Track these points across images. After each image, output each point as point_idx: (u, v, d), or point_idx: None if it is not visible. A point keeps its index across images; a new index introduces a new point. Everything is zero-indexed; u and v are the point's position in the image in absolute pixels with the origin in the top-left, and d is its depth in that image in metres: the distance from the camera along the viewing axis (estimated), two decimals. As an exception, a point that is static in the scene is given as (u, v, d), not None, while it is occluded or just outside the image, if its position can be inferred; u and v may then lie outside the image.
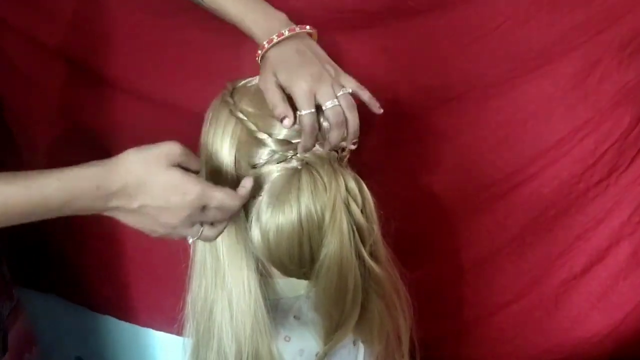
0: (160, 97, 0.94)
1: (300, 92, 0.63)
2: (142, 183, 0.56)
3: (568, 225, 0.92)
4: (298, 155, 0.65)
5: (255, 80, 0.70)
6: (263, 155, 0.65)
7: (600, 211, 0.92)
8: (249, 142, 0.65)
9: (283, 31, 0.67)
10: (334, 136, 0.64)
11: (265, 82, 0.65)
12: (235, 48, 0.85)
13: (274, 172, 0.65)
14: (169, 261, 1.03)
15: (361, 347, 0.79)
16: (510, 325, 0.99)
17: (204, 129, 0.68)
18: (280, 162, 0.65)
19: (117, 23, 0.93)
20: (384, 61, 0.87)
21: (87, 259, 1.14)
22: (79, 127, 1.04)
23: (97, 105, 1.00)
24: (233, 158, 0.65)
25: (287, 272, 0.69)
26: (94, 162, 0.57)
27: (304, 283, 0.74)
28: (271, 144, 0.65)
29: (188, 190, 0.57)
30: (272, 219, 0.64)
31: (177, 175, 0.57)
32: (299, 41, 0.68)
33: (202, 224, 0.60)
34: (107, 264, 1.13)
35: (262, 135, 0.64)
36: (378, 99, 0.87)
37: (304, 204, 0.63)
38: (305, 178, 0.63)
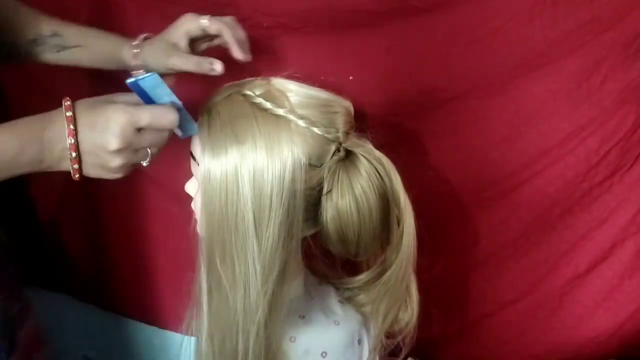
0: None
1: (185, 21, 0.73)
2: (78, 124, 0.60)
3: (572, 224, 0.92)
4: (346, 145, 0.68)
5: (272, 81, 0.70)
6: (331, 151, 0.67)
7: (605, 210, 0.92)
8: (318, 143, 0.67)
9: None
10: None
11: (179, 57, 0.72)
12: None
13: (331, 165, 0.67)
14: (181, 261, 1.04)
15: (365, 346, 0.80)
16: (515, 324, 0.99)
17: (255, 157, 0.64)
18: (335, 153, 0.68)
19: (131, 22, 0.94)
20: (387, 60, 0.87)
21: (98, 258, 1.15)
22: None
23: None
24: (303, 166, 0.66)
25: (354, 247, 0.71)
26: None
27: (301, 283, 0.76)
28: (340, 138, 0.67)
29: (110, 116, 0.59)
30: (350, 201, 0.67)
31: (101, 108, 0.60)
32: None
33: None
34: (119, 262, 1.14)
35: (332, 134, 0.67)
36: (381, 97, 0.88)
37: (374, 183, 0.67)
38: (365, 162, 0.68)
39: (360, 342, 0.79)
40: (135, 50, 0.76)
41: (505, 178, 0.91)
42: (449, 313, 1.00)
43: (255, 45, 0.80)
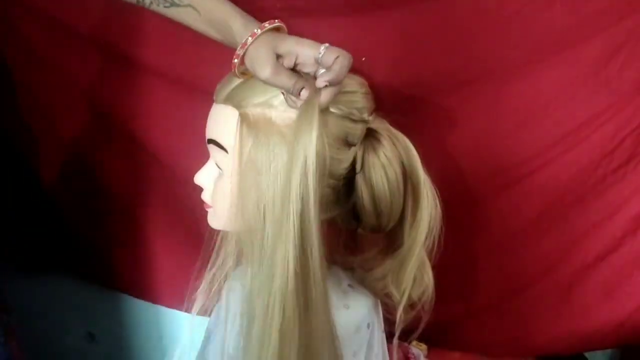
0: (189, 81, 0.94)
1: (305, 42, 0.66)
2: None
3: (584, 213, 0.92)
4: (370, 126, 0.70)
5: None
6: (361, 131, 0.69)
7: (618, 199, 0.91)
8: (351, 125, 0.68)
9: (256, 30, 0.67)
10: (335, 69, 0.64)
11: (270, 67, 0.64)
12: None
13: (363, 144, 0.69)
14: (189, 238, 1.03)
15: (376, 330, 0.79)
16: (523, 311, 0.98)
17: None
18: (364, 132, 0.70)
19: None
20: (402, 43, 0.86)
21: (102, 236, 1.14)
22: (101, 111, 1.04)
23: (120, 90, 0.99)
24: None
25: (385, 220, 0.72)
26: None
27: None
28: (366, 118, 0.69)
29: None
30: (383, 177, 0.69)
31: None
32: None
33: None
34: (123, 240, 1.13)
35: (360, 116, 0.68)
36: (395, 79, 0.87)
37: (398, 160, 0.70)
38: (385, 142, 0.69)
39: (369, 325, 0.79)
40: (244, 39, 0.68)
41: (519, 164, 0.90)
42: (457, 298, 0.99)
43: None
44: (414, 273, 0.75)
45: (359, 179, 0.69)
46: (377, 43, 0.87)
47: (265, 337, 0.63)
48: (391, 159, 0.69)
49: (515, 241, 0.95)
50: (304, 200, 0.61)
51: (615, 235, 0.92)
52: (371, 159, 0.69)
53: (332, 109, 0.66)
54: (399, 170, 0.70)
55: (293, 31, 0.87)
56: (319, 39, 0.87)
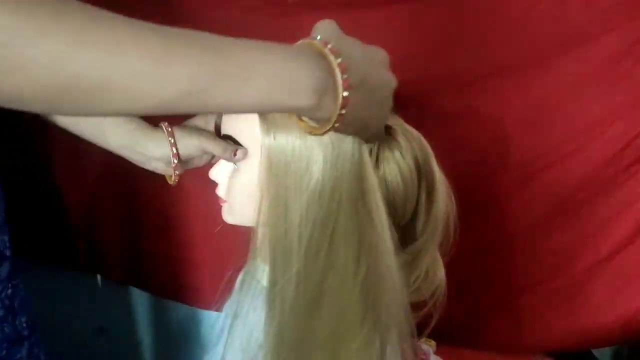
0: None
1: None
2: (348, 55, 0.46)
3: (596, 209, 0.92)
4: None
5: None
6: None
7: (628, 196, 0.91)
8: None
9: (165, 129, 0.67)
10: None
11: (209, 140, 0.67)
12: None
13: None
14: (203, 237, 1.03)
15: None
16: (534, 307, 0.98)
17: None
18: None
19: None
20: (414, 37, 0.86)
21: (113, 232, 1.14)
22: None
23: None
24: None
25: (399, 216, 0.70)
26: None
27: None
28: None
29: (375, 48, 0.53)
30: (396, 172, 0.67)
31: (357, 40, 0.51)
32: None
33: None
34: (139, 238, 1.13)
35: None
36: (407, 74, 0.86)
37: (414, 156, 0.68)
38: (400, 138, 0.67)
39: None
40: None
41: (532, 160, 0.90)
42: (469, 294, 0.99)
43: (279, 22, 0.78)
44: (427, 268, 0.75)
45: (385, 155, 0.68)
46: (389, 36, 0.87)
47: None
48: (405, 155, 0.68)
49: (526, 238, 0.95)
50: (327, 186, 0.59)
51: (625, 233, 0.93)
52: (385, 154, 0.68)
53: None
54: (413, 166, 0.69)
55: (302, 25, 0.87)
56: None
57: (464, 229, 0.94)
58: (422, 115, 0.85)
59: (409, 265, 0.75)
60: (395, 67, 0.84)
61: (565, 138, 0.88)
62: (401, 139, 0.68)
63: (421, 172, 0.70)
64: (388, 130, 0.69)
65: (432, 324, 0.80)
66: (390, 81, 0.53)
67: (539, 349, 1.05)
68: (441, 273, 0.75)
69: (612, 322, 0.97)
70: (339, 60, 0.45)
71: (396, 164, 0.68)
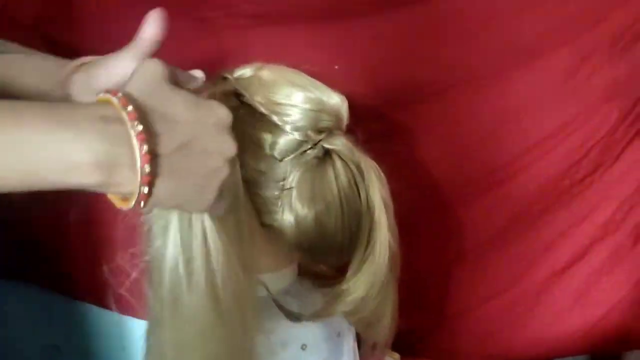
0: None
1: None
2: (162, 116, 0.39)
3: (552, 221, 0.92)
4: (323, 144, 0.63)
5: (262, 68, 0.65)
6: (288, 145, 0.62)
7: (584, 208, 0.92)
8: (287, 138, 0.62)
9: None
10: None
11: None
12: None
13: (298, 161, 0.62)
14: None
15: (345, 338, 0.78)
16: (492, 319, 0.99)
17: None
18: (306, 151, 0.62)
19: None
20: (376, 50, 0.85)
21: (64, 244, 1.11)
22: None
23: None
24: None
25: (317, 256, 0.67)
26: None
27: (289, 275, 0.73)
28: (312, 137, 0.62)
29: (213, 105, 0.44)
30: (309, 207, 0.62)
31: (189, 94, 0.43)
32: None
33: None
34: (84, 248, 1.10)
35: (300, 132, 0.62)
36: (367, 87, 0.87)
37: (343, 191, 0.62)
38: (339, 164, 0.63)
39: (340, 334, 0.77)
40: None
41: (488, 173, 0.90)
42: (427, 307, 0.99)
43: (239, 34, 0.77)
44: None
45: (283, 197, 0.63)
46: (352, 51, 0.87)
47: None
48: (330, 198, 0.62)
49: (485, 249, 0.95)
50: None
51: (582, 243, 0.94)
52: (305, 183, 0.62)
53: (277, 120, 0.61)
54: (339, 211, 0.63)
55: (263, 37, 0.87)
56: (292, 46, 0.86)
57: (424, 241, 0.95)
58: (380, 127, 0.86)
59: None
60: (354, 80, 0.85)
61: (522, 151, 0.88)
62: (335, 171, 0.63)
63: (359, 212, 0.64)
64: (324, 157, 0.63)
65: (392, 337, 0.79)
66: (225, 148, 0.44)
67: (504, 358, 1.06)
68: (394, 294, 0.73)
69: (572, 331, 0.98)
70: (139, 127, 0.37)
71: (312, 201, 0.62)
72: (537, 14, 0.80)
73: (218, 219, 0.52)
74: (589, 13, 0.80)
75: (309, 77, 0.67)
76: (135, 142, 0.37)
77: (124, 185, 0.38)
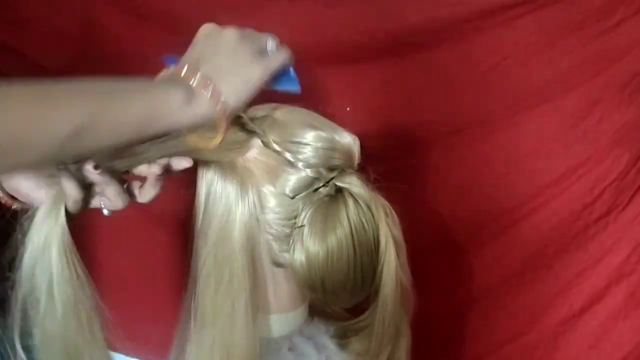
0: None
1: None
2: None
3: (567, 263, 0.92)
4: (335, 182, 0.64)
5: (277, 109, 0.68)
6: (300, 182, 0.64)
7: (600, 249, 0.92)
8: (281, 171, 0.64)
9: None
10: None
11: None
12: None
13: (311, 199, 0.64)
14: (146, 284, 1.01)
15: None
16: (513, 362, 0.97)
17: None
18: (318, 188, 0.64)
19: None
20: (385, 94, 0.88)
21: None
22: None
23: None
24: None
25: (328, 295, 0.66)
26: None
27: (298, 318, 0.74)
28: (324, 175, 0.64)
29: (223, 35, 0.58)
30: (321, 245, 0.62)
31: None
32: None
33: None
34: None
35: (312, 170, 0.63)
36: (378, 130, 0.89)
37: (355, 228, 0.63)
38: (351, 202, 0.63)
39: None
40: None
41: (501, 215, 0.90)
42: (442, 352, 0.98)
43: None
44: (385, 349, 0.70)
45: (296, 235, 0.63)
46: (364, 93, 0.89)
47: None
48: (341, 236, 0.62)
49: (499, 292, 0.94)
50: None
51: (599, 285, 0.93)
52: (317, 221, 0.62)
53: (290, 158, 0.63)
54: (351, 250, 0.63)
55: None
56: (305, 88, 0.89)
57: (438, 284, 0.95)
58: (391, 170, 0.87)
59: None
60: (365, 122, 0.87)
61: (533, 193, 0.89)
62: (347, 210, 0.63)
63: (371, 248, 0.65)
64: (336, 195, 0.65)
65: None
66: (231, 30, 0.58)
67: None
68: (407, 331, 0.73)
69: (588, 378, 0.96)
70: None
71: (323, 239, 0.63)
72: (543, 60, 0.82)
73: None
74: (594, 61, 0.82)
75: (322, 117, 0.68)
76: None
77: (199, 106, 0.53)
